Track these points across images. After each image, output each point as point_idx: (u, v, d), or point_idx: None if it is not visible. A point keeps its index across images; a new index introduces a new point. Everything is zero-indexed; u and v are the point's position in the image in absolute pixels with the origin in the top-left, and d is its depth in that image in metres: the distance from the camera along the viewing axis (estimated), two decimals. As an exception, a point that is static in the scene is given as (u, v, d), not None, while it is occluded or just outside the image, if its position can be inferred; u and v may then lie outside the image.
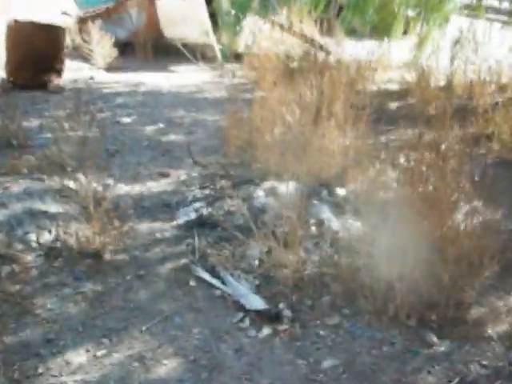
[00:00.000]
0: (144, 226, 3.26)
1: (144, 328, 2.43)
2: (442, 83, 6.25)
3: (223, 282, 2.74)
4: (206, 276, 2.79)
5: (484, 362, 2.38)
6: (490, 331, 2.57)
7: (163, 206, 3.54)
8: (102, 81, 6.40)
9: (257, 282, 2.75)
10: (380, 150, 4.32)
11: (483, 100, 5.56)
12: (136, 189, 3.77)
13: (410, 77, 6.39)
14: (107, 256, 2.90)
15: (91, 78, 6.46)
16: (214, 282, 2.75)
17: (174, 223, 3.33)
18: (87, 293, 2.64)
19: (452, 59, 6.40)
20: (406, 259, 2.59)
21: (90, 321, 2.46)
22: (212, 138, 4.81)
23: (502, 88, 5.96)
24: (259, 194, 3.51)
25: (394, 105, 6.06)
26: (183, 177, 4.02)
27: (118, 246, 2.99)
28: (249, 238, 3.07)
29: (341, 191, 3.73)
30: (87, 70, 6.82)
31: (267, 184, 3.65)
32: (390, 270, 2.62)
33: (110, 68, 6.83)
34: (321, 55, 7.14)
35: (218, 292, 2.69)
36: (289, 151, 4.12)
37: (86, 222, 3.03)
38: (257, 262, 2.90)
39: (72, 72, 6.53)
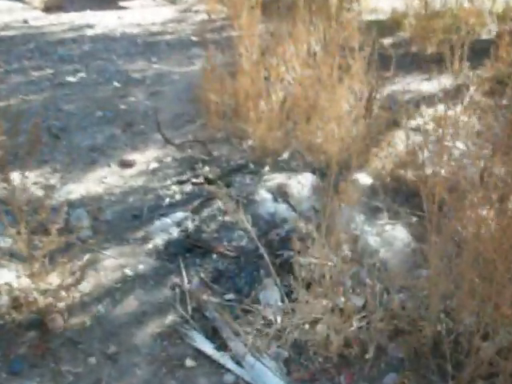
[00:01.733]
0: (108, 259, 2.30)
1: None
2: (432, 12, 5.21)
3: (234, 359, 1.85)
4: (209, 349, 1.89)
5: None
6: None
7: (131, 219, 2.57)
8: (39, 25, 5.14)
9: (285, 354, 1.88)
10: (396, 111, 3.42)
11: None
12: (91, 190, 2.77)
13: (400, 5, 5.36)
14: (58, 322, 1.96)
15: (25, 22, 5.20)
16: (221, 358, 1.86)
17: (150, 246, 2.39)
18: (32, 402, 1.71)
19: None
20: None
21: None
22: (183, 100, 3.77)
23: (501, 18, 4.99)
24: (264, 196, 2.57)
25: (386, 42, 5.04)
26: (153, 164, 3.04)
27: (74, 301, 2.05)
28: (260, 270, 2.19)
29: (364, 178, 2.83)
30: (20, 11, 5.53)
31: (270, 179, 2.71)
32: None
33: (48, 8, 5.54)
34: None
35: (230, 377, 1.81)
36: (289, 122, 3.18)
37: (22, 262, 2.08)
38: (278, 317, 2.01)
39: (1, 14, 5.32)
